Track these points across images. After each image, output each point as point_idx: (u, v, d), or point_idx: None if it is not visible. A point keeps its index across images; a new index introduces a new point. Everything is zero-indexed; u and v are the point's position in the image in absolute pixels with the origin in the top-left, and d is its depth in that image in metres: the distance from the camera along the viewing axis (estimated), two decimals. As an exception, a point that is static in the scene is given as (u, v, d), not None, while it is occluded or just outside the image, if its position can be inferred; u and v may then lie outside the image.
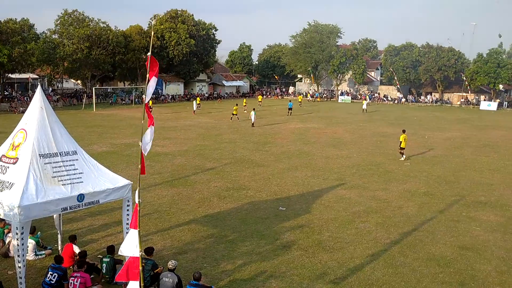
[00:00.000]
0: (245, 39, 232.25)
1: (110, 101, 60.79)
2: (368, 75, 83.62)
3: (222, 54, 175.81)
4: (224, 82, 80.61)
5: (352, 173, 21.29)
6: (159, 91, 68.95)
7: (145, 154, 8.20)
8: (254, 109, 39.77)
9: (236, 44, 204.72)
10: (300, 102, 64.70)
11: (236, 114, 42.14)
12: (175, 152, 25.55)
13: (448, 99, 74.55)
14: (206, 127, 37.27)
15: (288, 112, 48.68)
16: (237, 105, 44.62)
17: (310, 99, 76.61)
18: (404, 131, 25.38)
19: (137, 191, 7.95)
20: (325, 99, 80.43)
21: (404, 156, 24.68)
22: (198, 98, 56.22)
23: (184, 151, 25.78)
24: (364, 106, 55.50)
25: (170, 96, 68.10)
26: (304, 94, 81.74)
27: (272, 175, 20.44)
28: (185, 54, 67.86)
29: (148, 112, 8.12)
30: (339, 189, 18.26)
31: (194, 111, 48.42)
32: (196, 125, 38.43)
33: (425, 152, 27.31)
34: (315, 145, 28.91)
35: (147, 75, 7.95)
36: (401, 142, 24.57)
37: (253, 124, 37.82)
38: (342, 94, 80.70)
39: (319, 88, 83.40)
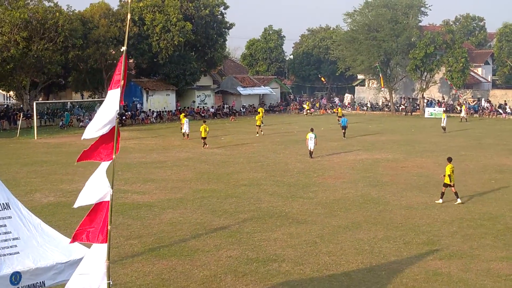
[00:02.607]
0: (272, 21, 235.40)
1: (61, 123, 61.80)
2: (472, 73, 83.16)
3: (236, 44, 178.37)
4: (240, 90, 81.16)
5: (451, 232, 21.02)
6: (137, 105, 69.71)
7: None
8: (312, 130, 38.95)
9: (258, 29, 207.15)
10: (341, 116, 65.18)
11: (205, 138, 43.03)
12: (163, 202, 25.69)
13: None
14: (213, 161, 37.49)
15: (343, 132, 49.53)
16: (204, 122, 45.50)
17: (308, 111, 79.41)
18: (449, 160, 26.08)
19: (103, 266, 7.99)
20: (403, 112, 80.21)
21: (458, 199, 25.28)
22: (182, 115, 55.91)
23: (177, 201, 25.92)
24: (444, 123, 55.14)
25: (155, 114, 68.97)
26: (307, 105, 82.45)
27: (321, 237, 20.35)
28: (177, 46, 68.76)
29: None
30: (430, 259, 18.04)
31: (186, 134, 48.89)
32: (197, 158, 38.70)
33: None
34: (388, 188, 28.77)
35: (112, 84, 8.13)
36: (447, 175, 25.35)
37: (311, 153, 38.10)
38: (430, 104, 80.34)
39: (393, 95, 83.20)
